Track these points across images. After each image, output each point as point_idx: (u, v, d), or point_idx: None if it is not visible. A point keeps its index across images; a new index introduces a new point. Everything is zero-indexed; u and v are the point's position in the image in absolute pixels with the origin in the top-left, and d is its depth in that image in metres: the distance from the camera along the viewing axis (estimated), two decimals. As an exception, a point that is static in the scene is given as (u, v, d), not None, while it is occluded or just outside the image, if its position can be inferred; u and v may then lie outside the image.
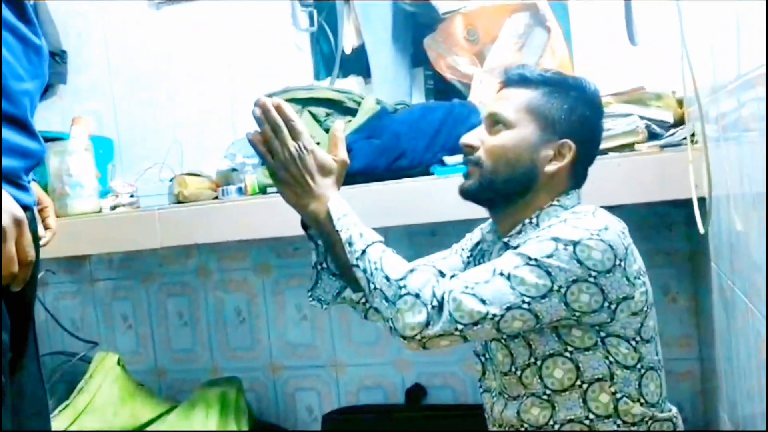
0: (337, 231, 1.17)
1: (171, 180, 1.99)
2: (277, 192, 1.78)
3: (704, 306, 1.73)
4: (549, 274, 1.10)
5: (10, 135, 1.05)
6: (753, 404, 1.13)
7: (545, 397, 1.20)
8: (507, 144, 1.23)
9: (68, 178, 1.90)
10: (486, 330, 1.10)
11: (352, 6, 2.09)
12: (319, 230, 1.21)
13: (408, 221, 1.66)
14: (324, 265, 1.27)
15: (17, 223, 0.98)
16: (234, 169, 1.91)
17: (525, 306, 1.10)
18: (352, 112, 1.83)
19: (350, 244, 1.16)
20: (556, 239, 1.12)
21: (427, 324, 1.09)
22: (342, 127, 1.26)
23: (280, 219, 1.71)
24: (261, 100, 1.19)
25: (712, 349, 1.61)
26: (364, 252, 1.15)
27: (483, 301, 1.09)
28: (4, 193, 0.98)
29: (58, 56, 2.33)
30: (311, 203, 1.20)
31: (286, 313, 2.31)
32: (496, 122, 1.25)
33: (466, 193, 1.28)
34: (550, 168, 1.22)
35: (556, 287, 1.10)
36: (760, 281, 0.97)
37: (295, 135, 1.18)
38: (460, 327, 1.09)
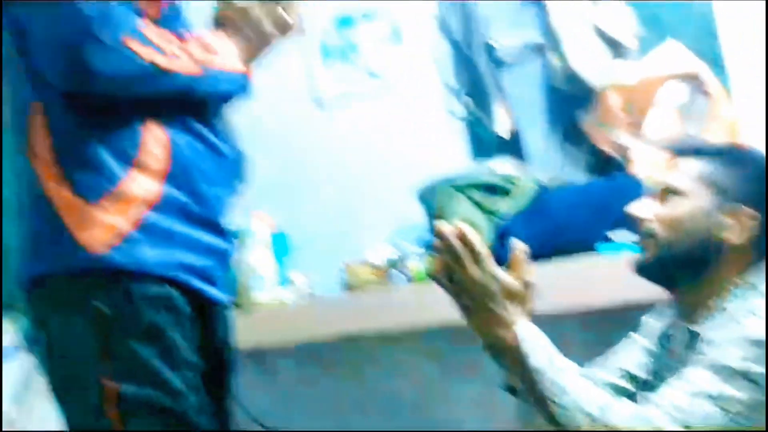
0: (526, 357, 1.09)
1: (342, 269, 2.08)
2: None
3: None
4: (756, 383, 1.00)
5: (201, 234, 1.17)
6: None
7: None
8: (681, 213, 1.16)
9: (249, 272, 2.04)
10: None
11: (504, 90, 2.14)
12: (506, 357, 1.13)
13: (575, 303, 1.59)
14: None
15: None
16: (399, 257, 1.97)
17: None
18: (510, 194, 1.85)
19: (538, 372, 1.08)
20: (757, 343, 1.02)
21: None
22: (522, 246, 1.16)
23: (448, 306, 1.74)
24: (439, 229, 1.12)
25: None
26: (554, 382, 1.07)
27: None
28: None
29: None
30: (498, 330, 1.12)
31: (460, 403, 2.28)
32: (668, 192, 1.18)
33: (642, 269, 1.20)
34: (730, 236, 1.14)
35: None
36: None
37: (477, 260, 1.12)
38: None
